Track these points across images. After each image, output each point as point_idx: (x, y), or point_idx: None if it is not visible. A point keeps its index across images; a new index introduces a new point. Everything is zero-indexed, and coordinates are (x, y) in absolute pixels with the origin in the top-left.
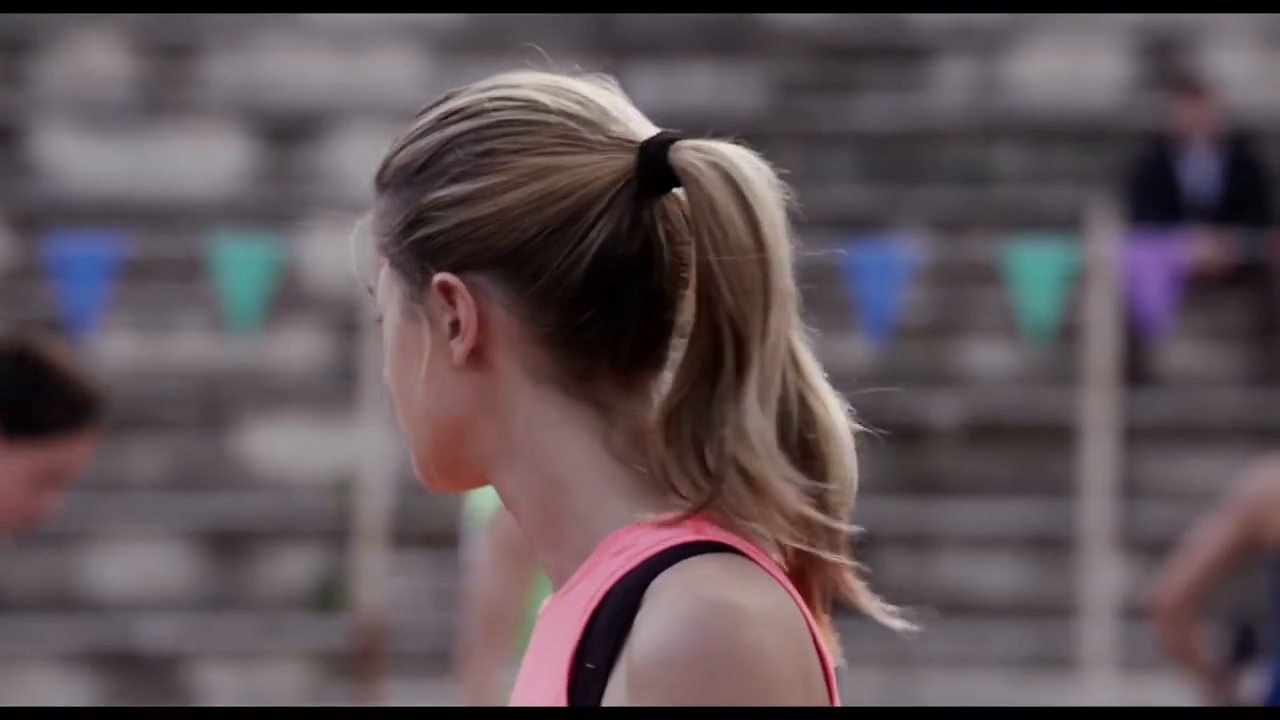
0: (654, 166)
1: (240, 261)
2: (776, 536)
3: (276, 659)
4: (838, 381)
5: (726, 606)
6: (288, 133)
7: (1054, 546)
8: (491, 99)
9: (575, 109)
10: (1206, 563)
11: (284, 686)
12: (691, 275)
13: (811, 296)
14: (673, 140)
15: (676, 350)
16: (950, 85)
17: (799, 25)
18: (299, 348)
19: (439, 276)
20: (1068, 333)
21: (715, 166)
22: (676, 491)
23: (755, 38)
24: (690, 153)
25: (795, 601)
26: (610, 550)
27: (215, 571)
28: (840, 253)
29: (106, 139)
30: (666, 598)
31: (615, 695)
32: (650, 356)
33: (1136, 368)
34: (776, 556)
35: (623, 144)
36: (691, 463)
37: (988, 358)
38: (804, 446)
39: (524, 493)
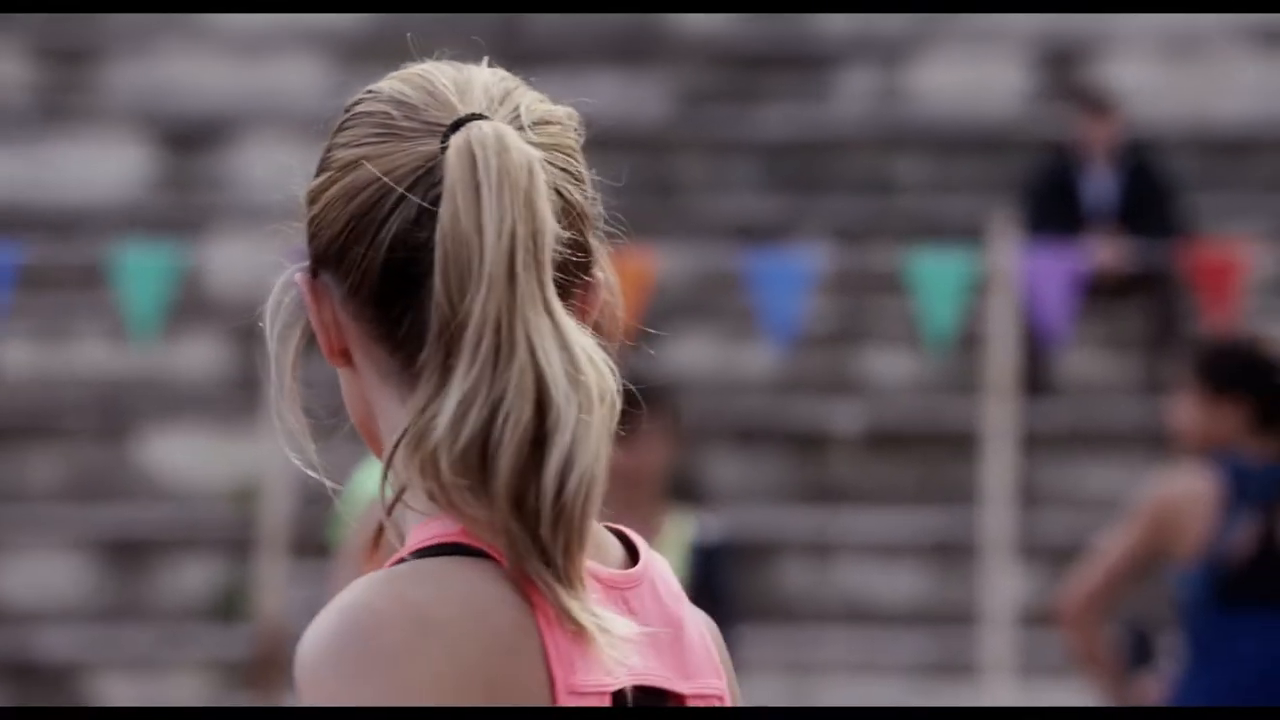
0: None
1: (141, 270)
2: (492, 540)
3: (176, 669)
4: (739, 389)
5: (365, 609)
6: (189, 139)
7: (954, 554)
8: (359, 96)
9: (404, 95)
10: (1112, 570)
11: (183, 696)
12: None
13: (714, 305)
14: (466, 121)
15: None
16: (852, 95)
17: (704, 33)
18: (199, 356)
19: (295, 276)
20: (968, 342)
21: (465, 148)
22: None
23: (660, 45)
24: (462, 135)
25: (496, 607)
26: (406, 547)
27: (115, 581)
28: (739, 261)
29: (4, 146)
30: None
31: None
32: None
33: (1036, 376)
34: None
35: (432, 128)
36: (415, 460)
37: (889, 367)
38: (535, 444)
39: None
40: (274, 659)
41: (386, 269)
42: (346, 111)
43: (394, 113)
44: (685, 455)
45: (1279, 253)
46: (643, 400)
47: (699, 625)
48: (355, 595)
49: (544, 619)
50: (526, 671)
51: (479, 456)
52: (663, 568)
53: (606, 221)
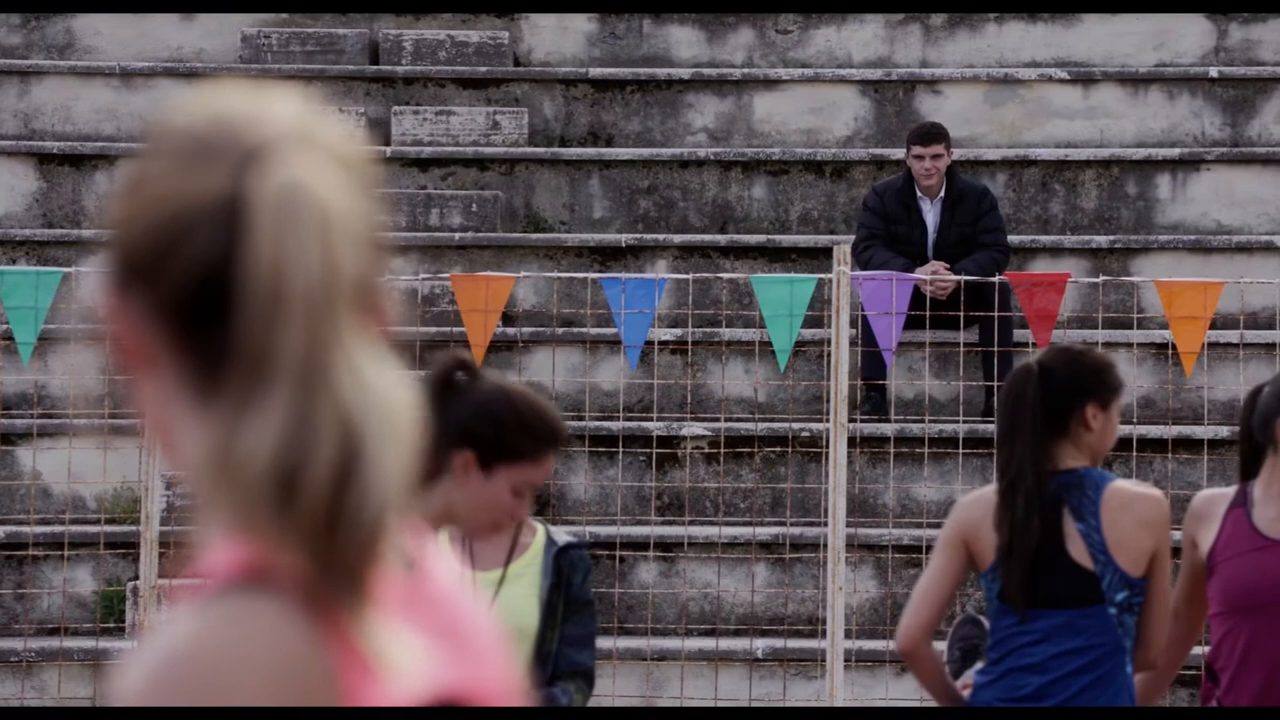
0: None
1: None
2: (287, 560)
3: (58, 671)
4: (597, 402)
5: (182, 658)
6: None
7: (798, 557)
8: (168, 117)
9: (212, 121)
10: (936, 597)
11: (64, 697)
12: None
13: (572, 321)
14: (267, 154)
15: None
16: (699, 123)
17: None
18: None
19: (106, 286)
20: (810, 358)
21: (271, 186)
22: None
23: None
24: (267, 170)
25: (299, 643)
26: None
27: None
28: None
29: None
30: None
31: None
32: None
33: (872, 390)
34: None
35: (238, 159)
36: (221, 479)
37: (735, 382)
38: (340, 472)
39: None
40: None
41: (191, 290)
42: (154, 133)
43: (202, 139)
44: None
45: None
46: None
47: (480, 616)
48: (173, 640)
49: (337, 648)
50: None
51: (285, 482)
52: (442, 565)
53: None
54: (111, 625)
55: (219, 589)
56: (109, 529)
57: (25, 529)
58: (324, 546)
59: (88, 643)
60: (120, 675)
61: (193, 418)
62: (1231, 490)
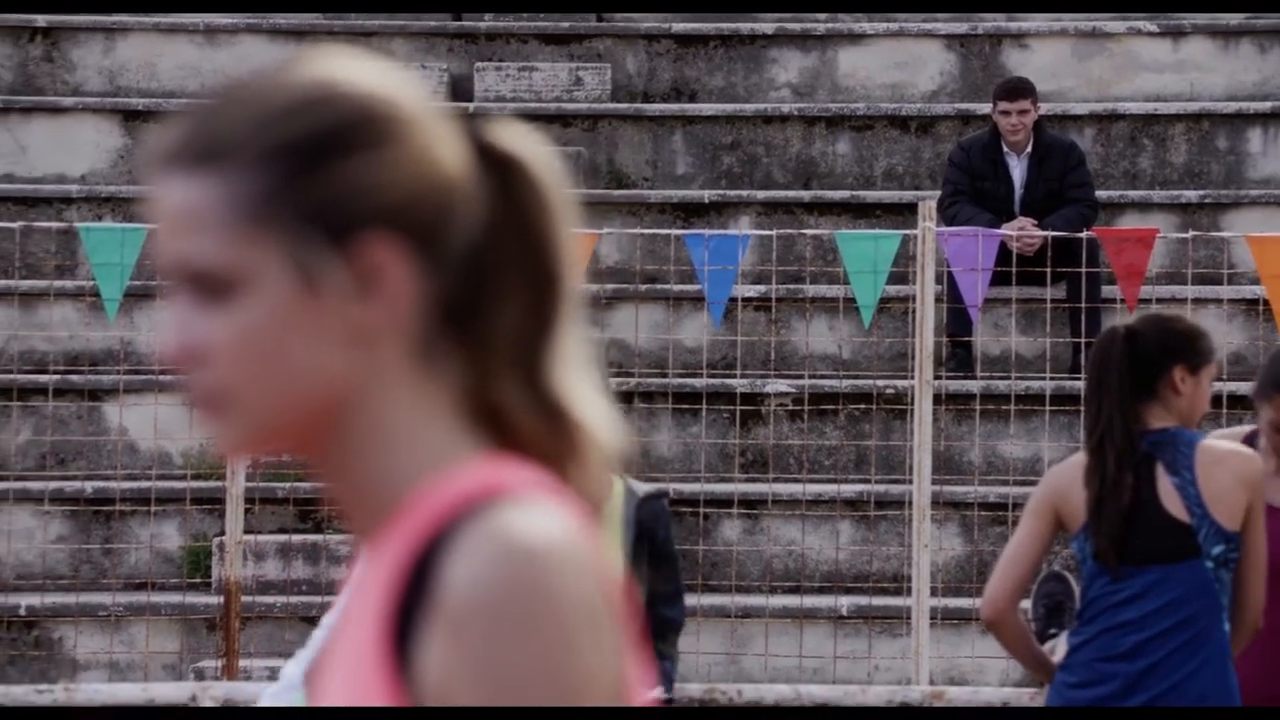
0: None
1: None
2: (577, 477)
3: (146, 626)
4: (680, 360)
5: (526, 548)
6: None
7: (883, 514)
8: (341, 73)
9: (417, 92)
10: (1022, 565)
11: (153, 651)
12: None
13: (656, 278)
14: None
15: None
16: (783, 78)
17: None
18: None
19: (371, 239)
20: (895, 315)
21: (519, 150)
22: (501, 435)
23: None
24: (500, 136)
25: (588, 539)
26: (417, 500)
27: (86, 541)
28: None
29: None
30: (471, 546)
31: (434, 645)
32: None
33: (958, 347)
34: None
35: (460, 124)
36: (534, 404)
37: (820, 338)
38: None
39: (347, 451)
40: (236, 612)
41: (460, 247)
42: (347, 87)
43: (417, 103)
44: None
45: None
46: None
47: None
48: (510, 538)
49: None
50: (607, 597)
51: (552, 414)
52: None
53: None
54: (198, 580)
55: (510, 496)
56: (195, 485)
57: (112, 485)
58: (582, 466)
59: (174, 598)
60: (467, 583)
61: (434, 364)
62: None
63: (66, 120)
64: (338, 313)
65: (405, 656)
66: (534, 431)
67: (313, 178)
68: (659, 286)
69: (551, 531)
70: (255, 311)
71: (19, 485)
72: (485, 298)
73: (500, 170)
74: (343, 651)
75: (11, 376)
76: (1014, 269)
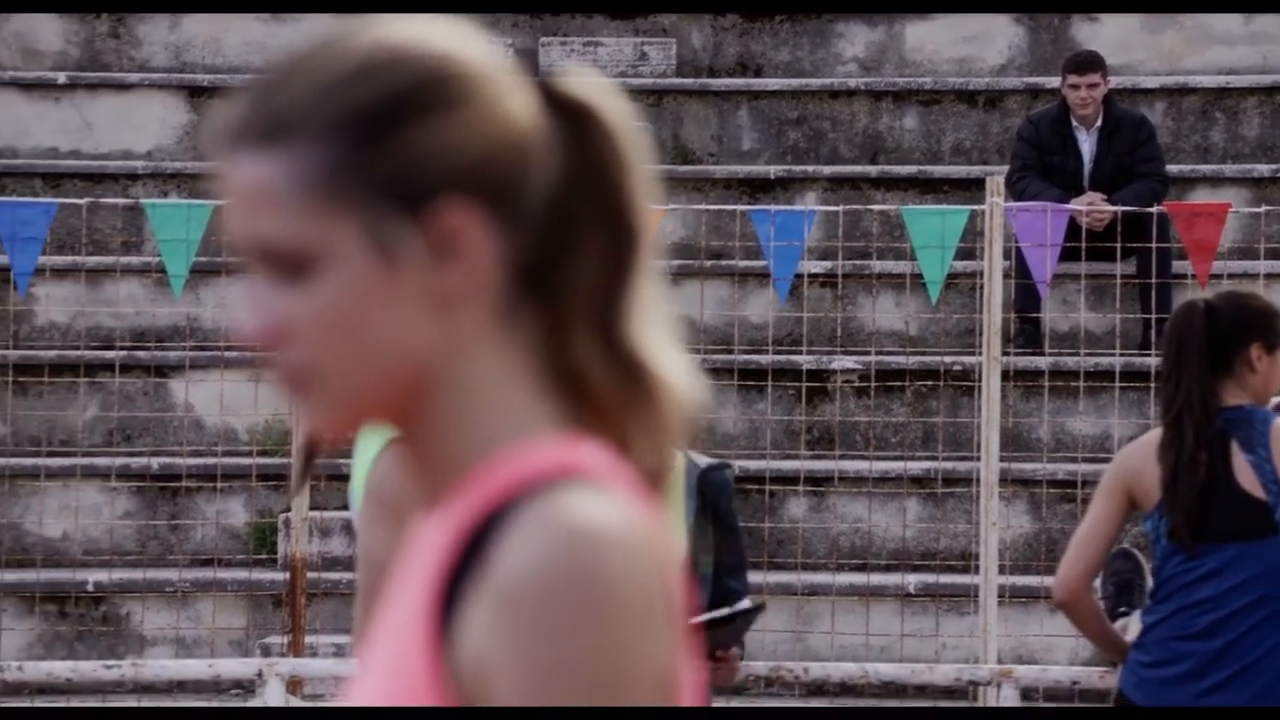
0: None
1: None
2: (653, 436)
3: (212, 602)
4: (746, 336)
5: (586, 532)
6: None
7: (950, 492)
8: (402, 35)
9: (472, 45)
10: (1094, 546)
11: (220, 627)
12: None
13: (721, 254)
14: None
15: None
16: (849, 53)
17: None
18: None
19: (448, 205)
20: (963, 291)
21: (591, 97)
22: (581, 403)
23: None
24: (565, 85)
25: (652, 524)
26: (488, 474)
27: (153, 517)
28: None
29: (48, 102)
30: (530, 524)
31: (479, 614)
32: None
33: (1026, 324)
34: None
35: (518, 77)
36: (611, 361)
37: (887, 315)
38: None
39: (433, 419)
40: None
41: (549, 200)
42: (410, 53)
43: (482, 61)
44: None
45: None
46: None
47: None
48: (570, 519)
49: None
50: (669, 583)
51: (630, 378)
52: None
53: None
54: (264, 556)
55: (578, 477)
56: (260, 461)
57: (179, 461)
58: (658, 425)
59: (241, 573)
60: (520, 561)
61: (514, 325)
62: None
63: (132, 97)
64: (417, 282)
65: (449, 627)
66: (610, 389)
67: (382, 146)
68: (724, 263)
69: (615, 518)
70: (334, 287)
71: (86, 461)
72: (563, 253)
73: (573, 121)
74: (391, 618)
75: (79, 353)
76: (1083, 244)
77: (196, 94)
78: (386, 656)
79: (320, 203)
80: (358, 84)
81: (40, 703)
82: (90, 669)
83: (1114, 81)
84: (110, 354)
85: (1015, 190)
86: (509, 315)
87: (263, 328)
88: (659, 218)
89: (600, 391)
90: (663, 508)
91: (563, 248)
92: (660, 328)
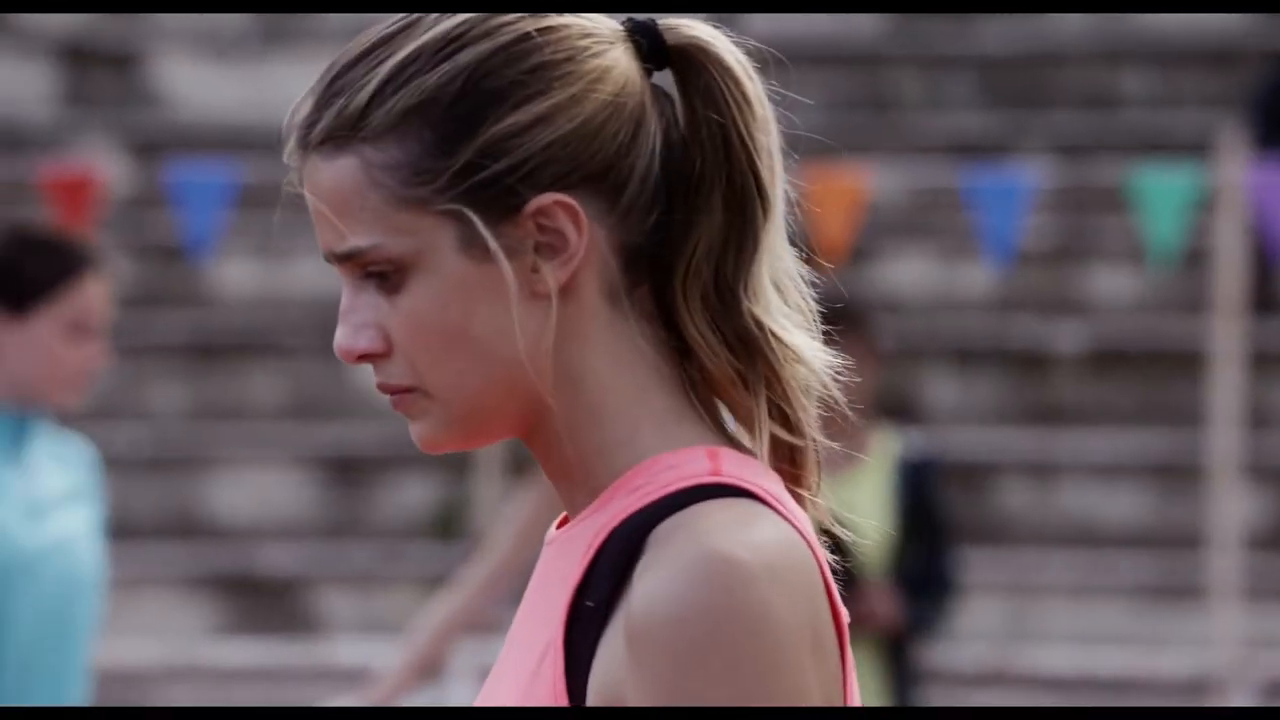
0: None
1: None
2: (808, 443)
3: (394, 585)
4: (958, 308)
5: (732, 561)
6: None
7: (1179, 475)
8: (478, 18)
9: (561, 16)
10: None
11: (401, 612)
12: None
13: (933, 223)
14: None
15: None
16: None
17: None
18: None
19: (542, 200)
20: (1194, 259)
21: (718, 46)
22: (709, 389)
23: None
24: (682, 37)
25: (808, 545)
26: (628, 485)
27: (335, 499)
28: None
29: (226, 66)
30: (671, 547)
31: (613, 641)
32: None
33: (1264, 294)
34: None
35: (612, 39)
36: (732, 341)
37: (1112, 284)
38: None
39: (559, 427)
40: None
41: (658, 180)
42: (488, 37)
43: (571, 25)
44: (895, 374)
45: None
46: (841, 319)
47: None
48: (712, 544)
49: (817, 553)
50: (825, 613)
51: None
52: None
53: (820, 139)
54: (449, 540)
55: (719, 493)
56: None
57: (363, 441)
58: (790, 413)
59: (426, 556)
60: (660, 593)
61: (631, 312)
62: None
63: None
64: (517, 279)
65: (580, 654)
66: (730, 373)
67: (469, 140)
68: (936, 228)
69: (759, 541)
70: (430, 293)
71: (270, 441)
72: (680, 226)
73: (681, 69)
74: (521, 634)
75: (264, 332)
76: None
77: None
78: (514, 674)
79: (405, 207)
80: (437, 72)
81: (222, 688)
82: (275, 652)
83: None
84: (295, 333)
85: (1253, 153)
86: (623, 302)
87: (360, 343)
88: (865, 180)
89: (724, 376)
90: (829, 502)
91: (679, 220)
92: (791, 304)
